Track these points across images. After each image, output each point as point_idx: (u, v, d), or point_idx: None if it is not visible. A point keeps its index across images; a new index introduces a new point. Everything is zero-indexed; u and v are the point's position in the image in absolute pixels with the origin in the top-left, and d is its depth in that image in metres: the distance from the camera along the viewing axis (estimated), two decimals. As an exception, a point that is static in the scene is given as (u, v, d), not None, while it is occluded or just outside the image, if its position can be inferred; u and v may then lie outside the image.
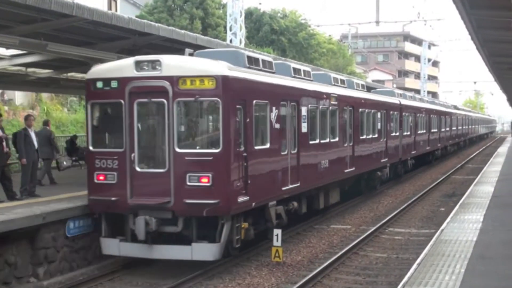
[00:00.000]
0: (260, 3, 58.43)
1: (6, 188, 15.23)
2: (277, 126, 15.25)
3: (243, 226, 13.89)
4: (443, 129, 44.15)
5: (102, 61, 18.01)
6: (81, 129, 32.97)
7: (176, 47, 18.95)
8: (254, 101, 14.17)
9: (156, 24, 17.06)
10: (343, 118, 20.69)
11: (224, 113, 12.90)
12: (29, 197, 15.46)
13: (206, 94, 12.96)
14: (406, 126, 31.37)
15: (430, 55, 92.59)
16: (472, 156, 51.76)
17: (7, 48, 17.93)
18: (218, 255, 13.15)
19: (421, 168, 37.82)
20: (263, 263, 14.38)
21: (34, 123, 16.76)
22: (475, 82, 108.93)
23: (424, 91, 79.85)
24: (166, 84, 13.05)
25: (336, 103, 19.88)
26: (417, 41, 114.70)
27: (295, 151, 16.49)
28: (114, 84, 13.50)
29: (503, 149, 51.80)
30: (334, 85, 21.08)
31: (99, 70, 14.07)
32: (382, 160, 26.51)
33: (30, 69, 21.79)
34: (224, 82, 12.93)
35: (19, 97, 32.30)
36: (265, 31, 58.94)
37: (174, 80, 13.02)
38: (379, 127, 25.88)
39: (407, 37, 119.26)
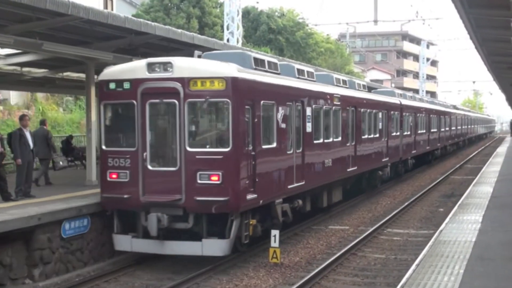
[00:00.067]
0: (257, 2, 58.46)
1: (1, 188, 15.16)
2: (283, 126, 15.67)
3: (251, 222, 14.28)
4: (442, 129, 44.41)
5: (98, 60, 18.00)
6: (76, 129, 32.88)
7: (172, 46, 18.91)
8: (262, 102, 14.57)
9: (153, 23, 17.03)
10: (345, 118, 21.09)
11: (233, 113, 13.30)
12: (24, 197, 15.39)
13: (216, 95, 13.36)
14: (407, 126, 31.70)
15: (428, 54, 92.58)
16: (471, 156, 51.73)
17: (2, 47, 17.85)
18: (228, 251, 13.56)
19: (420, 168, 37.83)
20: (260, 264, 14.30)
21: (29, 123, 16.66)
22: (474, 82, 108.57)
23: (423, 90, 79.81)
24: (178, 85, 13.46)
25: (339, 103, 20.28)
26: (416, 41, 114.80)
27: (300, 150, 16.88)
28: (126, 85, 13.91)
29: (502, 149, 51.75)
30: (336, 85, 21.47)
31: (112, 72, 14.37)
32: (383, 160, 26.82)
33: (25, 69, 21.73)
34: (234, 83, 13.34)
35: (14, 96, 32.13)
36: (262, 30, 58.88)
37: (185, 81, 13.43)
38: (380, 127, 26.21)
39: (405, 37, 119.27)
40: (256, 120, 14.16)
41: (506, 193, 20.87)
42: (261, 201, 14.42)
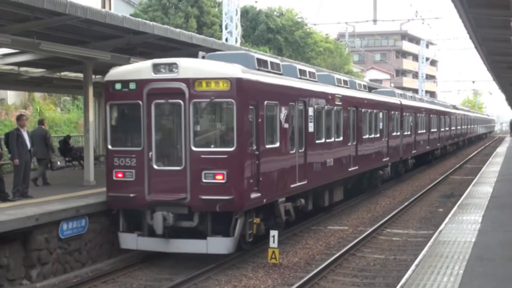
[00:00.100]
0: (256, 1, 57.87)
1: (-2, 189, 15.08)
2: (286, 125, 15.87)
3: (255, 221, 14.51)
4: (442, 129, 44.53)
5: (96, 60, 17.94)
6: (74, 129, 32.77)
7: (171, 46, 18.86)
8: (265, 102, 14.78)
9: (151, 23, 17.00)
10: (347, 118, 21.32)
11: (238, 113, 13.52)
12: (22, 198, 15.33)
13: (221, 95, 13.57)
14: (407, 126, 31.89)
15: (428, 54, 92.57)
16: (470, 156, 51.72)
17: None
18: (232, 249, 13.78)
19: (420, 168, 37.81)
20: (259, 265, 14.26)
21: (26, 123, 16.59)
22: (473, 82, 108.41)
23: (422, 90, 79.77)
24: (183, 86, 13.66)
25: (340, 103, 20.51)
26: (415, 40, 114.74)
27: (303, 150, 17.10)
28: (132, 86, 14.11)
29: (502, 149, 51.69)
30: (337, 85, 21.70)
31: (118, 73, 14.54)
32: (384, 159, 27.01)
33: (23, 68, 21.67)
34: (238, 84, 13.56)
35: (11, 96, 32.03)
36: (261, 30, 58.77)
37: (190, 82, 13.63)
38: (381, 127, 26.41)
39: (404, 36, 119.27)
40: (260, 120, 14.37)
41: (506, 193, 20.82)
42: (264, 200, 14.62)
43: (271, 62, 16.41)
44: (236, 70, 13.70)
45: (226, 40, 34.44)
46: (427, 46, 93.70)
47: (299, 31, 60.56)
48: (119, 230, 14.43)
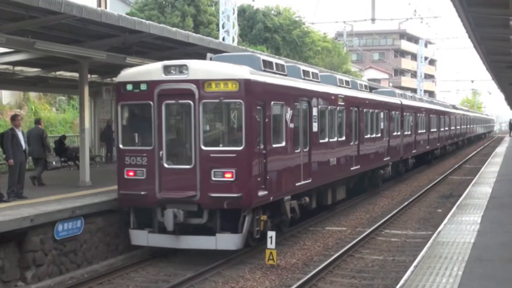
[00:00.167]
0: (253, 0, 57.95)
1: (-7, 189, 14.99)
2: (292, 125, 16.29)
3: (262, 218, 14.90)
4: (442, 129, 44.73)
5: (91, 59, 17.83)
6: (70, 129, 32.62)
7: (167, 45, 18.78)
8: (272, 102, 15.20)
9: (147, 22, 16.93)
10: (349, 118, 21.71)
11: (246, 113, 13.94)
12: (17, 198, 15.25)
13: (230, 96, 14.02)
14: (407, 126, 32.17)
15: (426, 53, 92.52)
16: (470, 156, 51.75)
17: (-6, 46, 17.64)
18: (240, 245, 14.18)
19: (419, 168, 37.85)
20: (257, 266, 14.20)
21: (21, 123, 16.48)
22: (472, 81, 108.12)
23: (421, 90, 79.83)
24: (193, 87, 14.08)
25: (343, 103, 20.93)
26: (414, 39, 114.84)
27: (307, 149, 17.51)
28: (143, 86, 14.51)
29: (501, 149, 51.60)
30: (339, 86, 22.12)
31: (129, 74, 14.93)
32: (385, 159, 27.31)
33: (18, 68, 21.56)
34: (247, 85, 13.99)
35: (6, 96, 31.89)
36: (258, 29, 58.69)
37: (200, 83, 14.05)
38: (382, 126, 26.74)
39: (403, 35, 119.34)
40: (267, 120, 14.77)
41: (505, 194, 20.74)
42: (271, 198, 15.02)
43: (276, 64, 16.80)
44: (244, 72, 14.10)
45: (223, 39, 34.31)
46: (425, 45, 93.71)
47: (297, 30, 60.51)
48: (130, 227, 14.82)
